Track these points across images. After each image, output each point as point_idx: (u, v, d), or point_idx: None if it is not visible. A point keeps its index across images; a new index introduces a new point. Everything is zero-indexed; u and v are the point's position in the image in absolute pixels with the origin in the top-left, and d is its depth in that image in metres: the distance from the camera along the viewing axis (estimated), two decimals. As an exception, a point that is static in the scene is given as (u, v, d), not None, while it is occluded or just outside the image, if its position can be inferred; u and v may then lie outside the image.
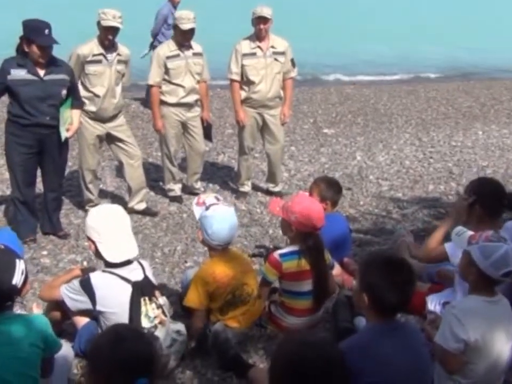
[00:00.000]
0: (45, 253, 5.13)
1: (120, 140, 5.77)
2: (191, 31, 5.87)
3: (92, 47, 5.41)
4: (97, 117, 5.60)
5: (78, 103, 5.22)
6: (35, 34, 4.74)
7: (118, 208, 3.45)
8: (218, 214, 3.48)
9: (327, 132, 9.32)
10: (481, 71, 16.03)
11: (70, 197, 6.28)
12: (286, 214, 3.58)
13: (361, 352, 2.43)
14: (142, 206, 6.03)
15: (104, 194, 6.46)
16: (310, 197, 3.91)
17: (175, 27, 5.93)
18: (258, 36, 6.06)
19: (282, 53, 6.16)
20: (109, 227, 3.25)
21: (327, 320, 3.85)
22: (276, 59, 6.13)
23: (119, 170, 6.44)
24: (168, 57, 5.91)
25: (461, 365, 2.87)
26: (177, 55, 5.95)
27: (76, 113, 5.20)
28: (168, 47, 5.97)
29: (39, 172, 5.25)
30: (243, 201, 6.46)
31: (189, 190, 6.53)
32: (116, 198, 6.41)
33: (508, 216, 4.37)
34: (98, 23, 5.33)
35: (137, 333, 2.04)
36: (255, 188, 6.82)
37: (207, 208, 3.47)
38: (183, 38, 5.89)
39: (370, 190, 6.92)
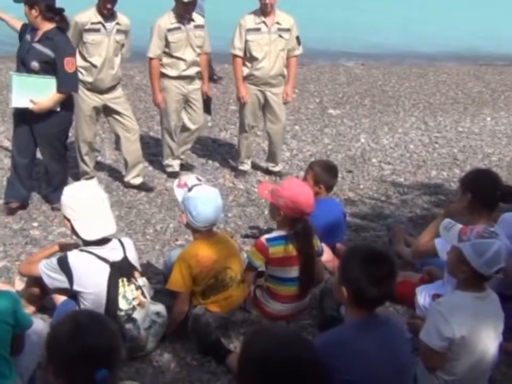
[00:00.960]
0: (35, 224, 5.07)
1: (117, 113, 5.67)
2: (193, 2, 5.72)
3: (90, 15, 5.29)
4: (94, 88, 5.49)
5: (62, 88, 4.85)
6: None
7: (93, 185, 3.37)
8: (202, 195, 3.39)
9: (333, 112, 9.17)
10: (494, 56, 15.72)
11: (68, 168, 6.19)
12: (275, 198, 3.49)
13: (336, 349, 2.36)
14: (138, 181, 5.95)
15: (101, 167, 6.39)
16: (300, 182, 3.83)
17: None
18: (263, 11, 5.90)
19: (288, 30, 5.99)
20: (83, 204, 3.18)
21: (313, 307, 3.78)
22: (280, 35, 5.97)
23: (118, 143, 6.36)
24: (169, 30, 5.76)
25: (443, 363, 2.80)
26: (178, 28, 5.80)
27: (54, 96, 4.83)
28: (169, 19, 5.81)
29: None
30: (241, 180, 6.36)
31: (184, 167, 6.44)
32: (113, 171, 6.34)
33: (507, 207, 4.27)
34: None
35: (98, 321, 1.95)
36: (255, 167, 6.71)
37: (189, 190, 3.38)
38: (185, 10, 5.74)
39: (372, 173, 6.80)
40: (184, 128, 6.27)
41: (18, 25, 5.05)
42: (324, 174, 4.24)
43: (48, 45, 4.77)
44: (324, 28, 16.20)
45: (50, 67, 4.81)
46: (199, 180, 3.53)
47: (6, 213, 5.18)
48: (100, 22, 5.31)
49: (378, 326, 2.48)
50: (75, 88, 5.12)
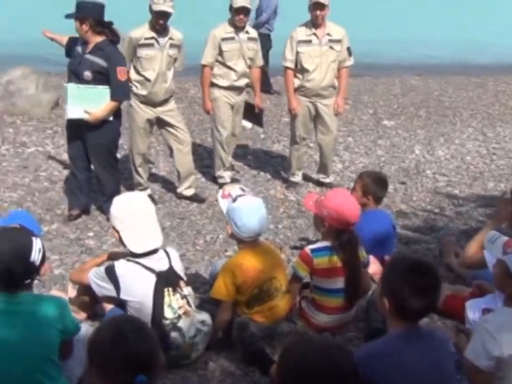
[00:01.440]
0: (90, 234, 5.21)
1: (170, 125, 5.79)
2: (244, 9, 5.81)
3: (143, 31, 5.44)
4: (148, 101, 5.63)
5: (115, 96, 5.02)
6: (97, 13, 4.99)
7: (142, 197, 3.44)
8: (246, 205, 3.40)
9: (387, 123, 9.08)
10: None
11: (123, 179, 6.34)
12: (319, 209, 3.47)
13: (377, 360, 2.33)
14: (190, 192, 6.05)
15: (155, 178, 6.51)
16: (345, 192, 3.79)
17: (230, 8, 5.89)
18: (314, 23, 5.93)
19: (339, 41, 6.00)
20: (132, 216, 3.24)
21: (360, 320, 3.74)
22: (331, 47, 5.98)
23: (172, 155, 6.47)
24: (223, 39, 5.90)
25: (490, 382, 2.71)
26: (232, 38, 5.93)
27: (109, 105, 5.01)
28: (224, 29, 5.95)
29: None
30: (292, 192, 6.37)
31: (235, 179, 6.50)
32: (166, 183, 6.46)
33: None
34: (150, 7, 5.34)
35: (138, 328, 1.99)
36: (307, 178, 6.71)
37: (234, 200, 3.40)
38: (238, 17, 5.82)
39: (426, 185, 6.69)
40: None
41: (64, 40, 5.26)
42: (373, 185, 4.20)
43: (100, 55, 4.94)
44: (379, 41, 16.09)
45: (102, 77, 4.98)
46: (243, 190, 3.55)
47: (67, 219, 5.37)
48: (153, 37, 5.45)
49: (421, 339, 2.43)
50: (128, 96, 5.34)
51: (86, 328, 2.97)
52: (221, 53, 5.94)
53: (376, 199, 4.22)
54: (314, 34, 5.95)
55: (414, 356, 2.36)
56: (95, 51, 4.95)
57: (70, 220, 5.37)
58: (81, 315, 3.60)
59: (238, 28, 5.93)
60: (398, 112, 9.72)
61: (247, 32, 6.00)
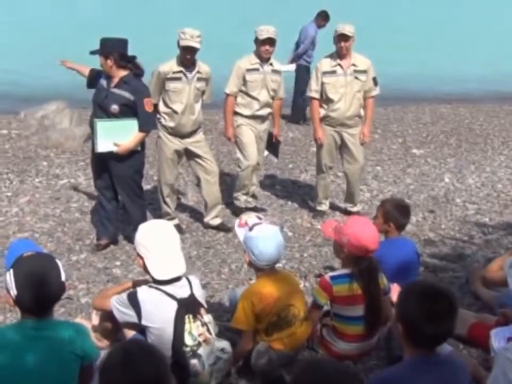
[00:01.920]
0: (118, 263, 5.30)
1: (198, 156, 5.87)
2: (269, 40, 5.91)
3: (171, 65, 5.58)
4: (176, 132, 5.75)
5: (143, 128, 5.18)
6: (122, 48, 5.17)
7: (167, 225, 3.49)
8: (263, 234, 3.43)
9: (416, 152, 9.03)
10: None
11: (152, 210, 6.45)
12: (338, 236, 3.48)
13: (392, 385, 2.31)
14: (216, 222, 6.10)
15: (183, 208, 6.60)
16: (364, 220, 3.79)
17: (256, 40, 6.01)
18: (339, 54, 6.01)
19: (364, 72, 6.06)
20: (157, 243, 3.28)
21: (382, 348, 3.69)
22: (356, 77, 6.04)
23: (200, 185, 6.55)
24: (247, 70, 6.03)
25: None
26: (257, 69, 6.06)
27: (137, 136, 5.17)
28: (248, 60, 6.08)
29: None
30: (319, 220, 6.37)
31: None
32: (194, 212, 6.53)
33: None
34: (178, 42, 5.48)
35: (148, 352, 2.01)
36: (334, 207, 6.71)
37: (250, 229, 3.43)
38: (263, 47, 5.93)
39: (455, 213, 6.62)
40: None
41: (86, 71, 5.43)
42: (394, 212, 4.18)
43: (127, 89, 5.09)
44: (408, 70, 16.10)
45: (129, 109, 5.13)
46: (260, 219, 3.58)
47: (95, 249, 5.48)
48: (181, 71, 5.58)
49: (437, 366, 2.40)
50: (155, 126, 5.53)
51: (106, 355, 3.00)
52: (245, 83, 6.06)
53: (398, 226, 4.19)
54: (339, 65, 6.02)
55: (427, 383, 2.32)
56: (121, 85, 5.10)
57: (98, 249, 5.48)
58: (104, 342, 3.64)
59: (263, 59, 6.04)
60: (428, 141, 9.67)
61: (271, 64, 6.11)
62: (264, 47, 5.97)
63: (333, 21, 9.28)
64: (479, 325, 3.73)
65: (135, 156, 5.26)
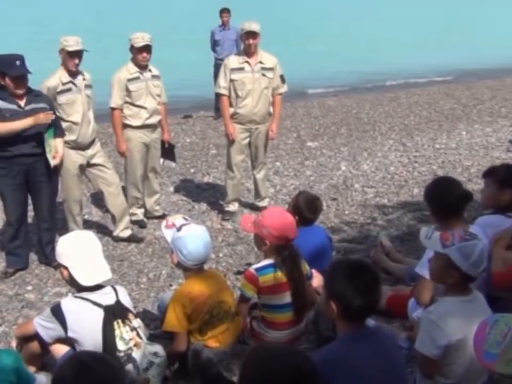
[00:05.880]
0: (29, 288, 5.10)
1: (99, 167, 5.74)
2: (146, 47, 5.87)
3: (59, 77, 5.42)
4: (77, 146, 5.58)
5: (60, 132, 5.28)
6: (6, 66, 4.86)
7: (87, 233, 3.44)
8: (192, 233, 3.46)
9: (311, 145, 9.34)
10: (462, 73, 16.13)
11: (56, 230, 6.24)
12: (258, 229, 3.57)
13: (334, 364, 2.40)
14: (127, 233, 6.01)
15: (89, 225, 6.42)
16: (280, 210, 3.91)
17: (131, 48, 5.94)
18: (247, 51, 6.10)
19: (271, 69, 6.17)
20: (79, 251, 3.25)
21: (310, 332, 3.82)
22: (263, 74, 6.14)
23: (103, 199, 6.42)
24: (128, 80, 5.95)
25: (440, 368, 2.84)
26: (138, 78, 5.99)
27: (59, 141, 5.26)
28: (127, 70, 5.99)
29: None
30: (229, 221, 6.44)
31: (150, 214, 6.51)
32: (101, 228, 6.39)
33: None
34: (62, 50, 5.34)
35: (100, 359, 2.01)
36: (242, 205, 6.80)
37: (178, 229, 3.45)
38: (141, 55, 5.88)
39: (356, 198, 6.92)
40: (150, 179, 6.42)
41: None
42: (302, 206, 4.29)
43: (41, 100, 5.06)
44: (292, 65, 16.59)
45: None
46: (186, 219, 3.60)
47: (3, 277, 5.25)
48: (69, 81, 5.44)
49: (369, 337, 2.52)
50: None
51: (41, 379, 2.92)
52: (128, 93, 5.97)
53: (303, 220, 4.25)
54: (247, 62, 6.11)
55: (365, 355, 2.45)
56: (33, 99, 5.01)
57: (6, 277, 5.24)
58: (30, 369, 3.51)
59: (142, 67, 5.98)
60: (321, 133, 10.03)
61: (150, 70, 6.07)
62: (141, 55, 5.90)
63: (236, 19, 9.46)
64: (395, 296, 3.95)
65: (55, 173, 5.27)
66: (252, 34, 5.98)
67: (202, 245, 3.49)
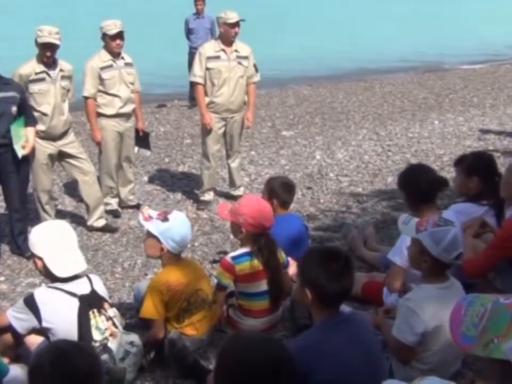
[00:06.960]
0: (2, 279, 5.04)
1: (73, 157, 5.70)
2: (119, 34, 5.81)
3: (33, 66, 5.35)
4: (48, 136, 5.53)
5: (31, 121, 5.22)
6: None
7: (61, 223, 3.40)
8: (180, 220, 3.50)
9: (286, 134, 9.35)
10: (435, 63, 16.27)
11: (29, 220, 6.16)
12: (234, 217, 3.56)
13: (311, 351, 2.41)
14: (101, 223, 5.97)
15: (63, 215, 6.36)
16: (257, 197, 3.91)
17: (103, 36, 5.88)
18: (225, 40, 6.04)
19: (246, 57, 6.16)
20: (53, 241, 3.20)
21: (287, 319, 3.84)
22: (239, 63, 6.12)
23: (77, 189, 6.36)
24: (101, 68, 5.88)
25: (417, 355, 2.88)
26: (111, 66, 5.92)
27: (30, 130, 5.21)
28: (100, 58, 5.92)
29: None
30: (204, 210, 6.43)
31: (124, 204, 6.47)
32: (75, 217, 6.33)
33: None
34: (36, 40, 5.26)
35: (77, 347, 2.00)
36: (217, 194, 6.79)
37: (164, 219, 3.43)
38: (114, 43, 5.82)
39: (331, 187, 6.95)
40: (124, 168, 6.37)
41: None
42: (278, 189, 4.33)
43: (11, 88, 5.02)
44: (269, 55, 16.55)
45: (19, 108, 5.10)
46: (155, 210, 3.60)
47: None
48: (43, 71, 5.37)
49: (345, 324, 2.54)
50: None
51: (16, 370, 2.89)
52: (102, 82, 5.90)
53: (281, 203, 4.32)
54: (223, 50, 6.06)
55: (341, 341, 2.47)
56: (3, 87, 4.95)
57: None
58: (4, 360, 3.47)
59: (115, 55, 5.92)
60: (295, 122, 10.05)
61: (122, 58, 6.01)
62: (115, 42, 5.84)
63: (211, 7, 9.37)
64: (370, 283, 3.99)
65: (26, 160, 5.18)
66: (237, 24, 5.95)
67: (189, 229, 3.58)
